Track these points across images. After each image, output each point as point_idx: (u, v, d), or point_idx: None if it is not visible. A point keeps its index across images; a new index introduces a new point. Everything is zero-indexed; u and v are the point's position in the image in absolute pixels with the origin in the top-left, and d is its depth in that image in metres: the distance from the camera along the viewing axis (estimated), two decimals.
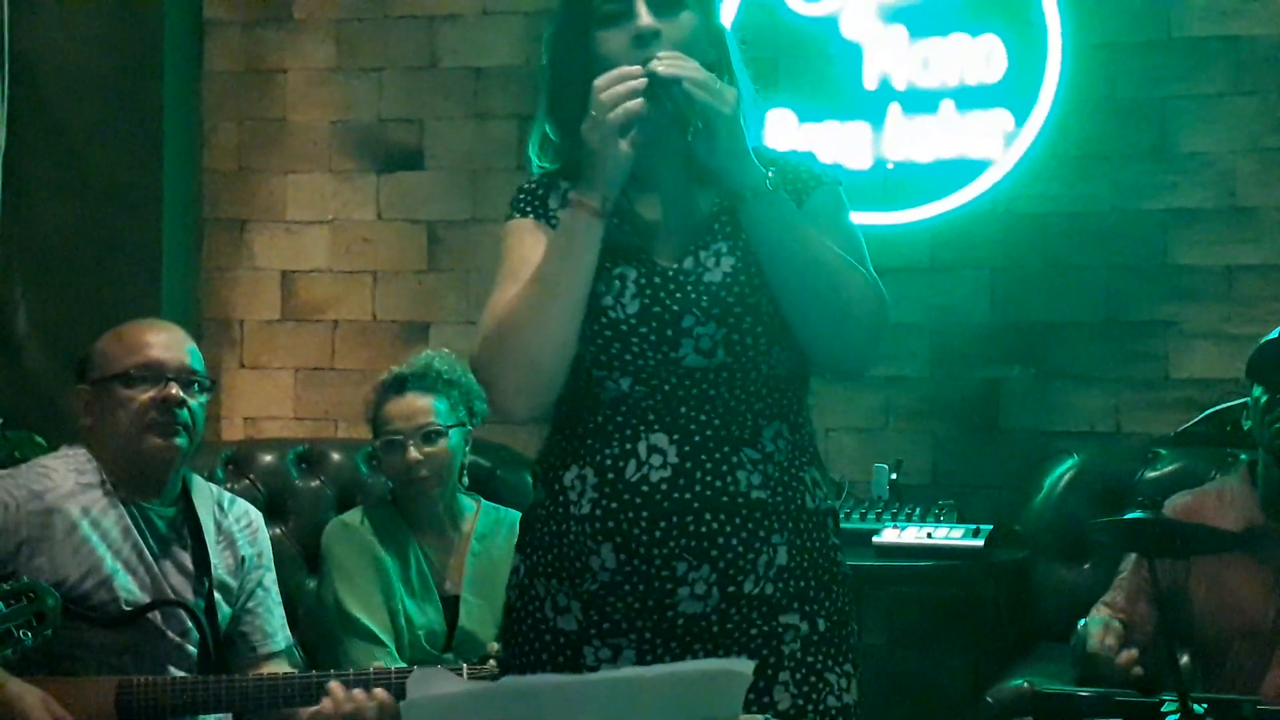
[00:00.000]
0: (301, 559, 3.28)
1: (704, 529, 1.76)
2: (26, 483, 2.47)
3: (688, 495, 1.76)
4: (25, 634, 2.12)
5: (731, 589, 1.77)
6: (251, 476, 3.35)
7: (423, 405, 2.92)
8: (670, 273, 1.80)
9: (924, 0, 3.69)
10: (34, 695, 2.26)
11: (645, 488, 1.76)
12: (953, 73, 3.66)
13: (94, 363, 2.55)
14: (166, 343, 2.55)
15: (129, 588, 2.46)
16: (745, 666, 1.16)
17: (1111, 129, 3.65)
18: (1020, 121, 3.64)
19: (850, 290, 1.77)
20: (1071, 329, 3.67)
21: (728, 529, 1.76)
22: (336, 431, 3.97)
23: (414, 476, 2.90)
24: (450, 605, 2.92)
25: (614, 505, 1.77)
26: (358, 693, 2.45)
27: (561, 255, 1.77)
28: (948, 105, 3.66)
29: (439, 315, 4.04)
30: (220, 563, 2.58)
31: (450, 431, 2.92)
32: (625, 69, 1.74)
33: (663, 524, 1.76)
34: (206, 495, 2.63)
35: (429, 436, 2.90)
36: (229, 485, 3.26)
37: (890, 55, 3.68)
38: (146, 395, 2.49)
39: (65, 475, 2.49)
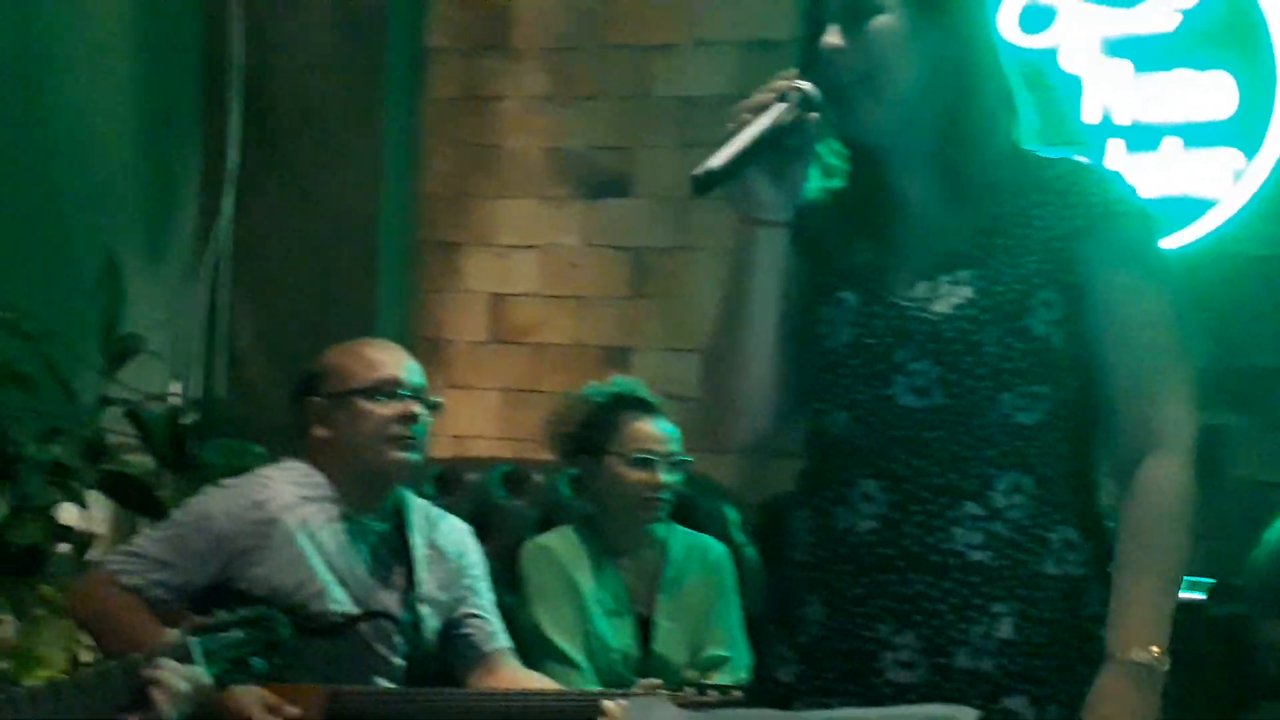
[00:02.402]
0: (503, 577, 3.32)
1: (908, 590, 1.61)
2: (248, 492, 2.57)
3: (893, 550, 1.61)
4: (259, 661, 2.19)
5: (941, 660, 1.60)
6: (458, 494, 3.42)
7: (672, 435, 2.96)
8: (893, 300, 1.66)
9: (1149, 34, 3.59)
10: (251, 694, 2.35)
11: (852, 538, 1.63)
12: (1177, 109, 3.54)
13: (329, 377, 2.64)
14: (402, 362, 2.65)
15: (341, 599, 2.53)
16: (968, 715, 1.13)
17: None
18: (1249, 160, 3.50)
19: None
20: None
21: (934, 592, 1.60)
22: (539, 453, 4.03)
23: (656, 498, 2.92)
24: (644, 629, 2.93)
25: (824, 554, 1.66)
26: None
27: (732, 275, 1.70)
28: (1172, 142, 3.54)
29: (641, 342, 4.06)
30: (430, 577, 2.64)
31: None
32: (774, 83, 1.65)
33: (864, 580, 1.63)
34: (418, 510, 2.69)
35: (674, 467, 2.94)
36: (436, 502, 3.33)
37: (1112, 89, 3.59)
38: (389, 410, 2.57)
39: (285, 487, 2.58)
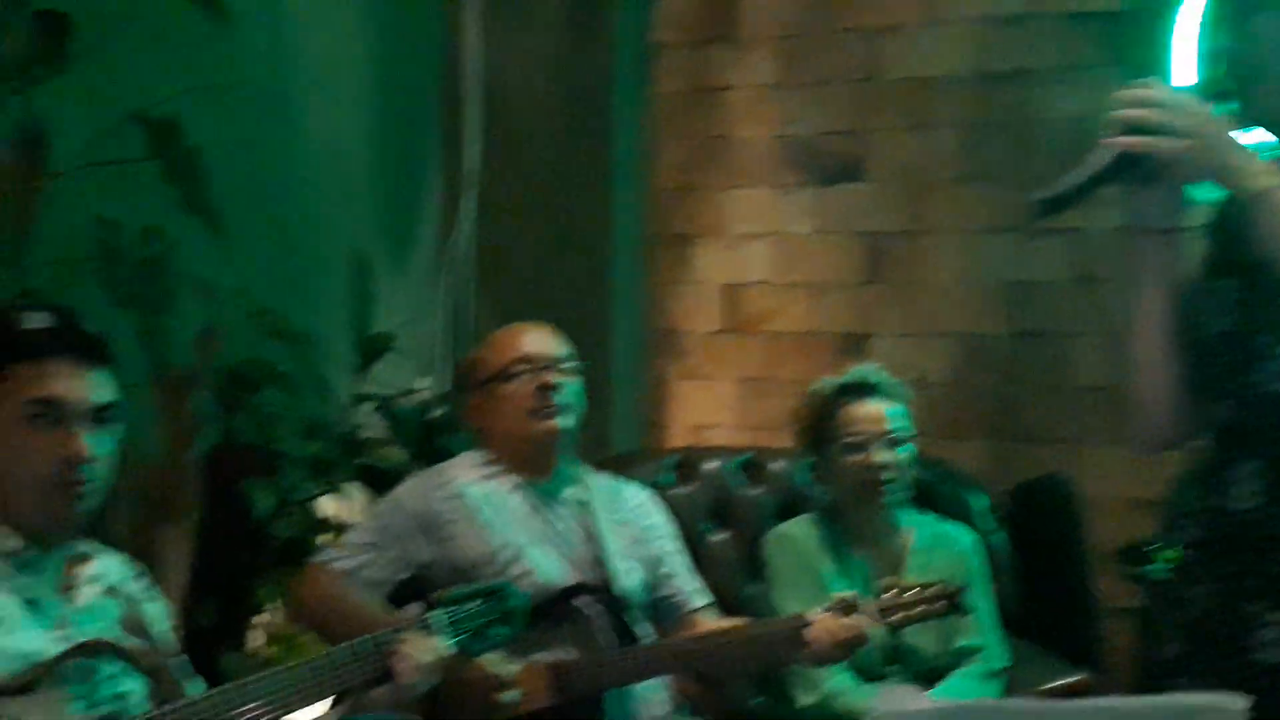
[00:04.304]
0: (743, 565, 3.33)
1: (1277, 569, 1.64)
2: (432, 477, 2.74)
3: (1271, 530, 1.65)
4: (497, 630, 2.25)
5: None
6: (697, 483, 3.44)
7: (885, 412, 2.93)
8: (1265, 284, 1.64)
9: None
10: (479, 671, 2.39)
11: (1235, 517, 1.68)
12: None
13: (470, 374, 2.77)
14: (533, 338, 2.74)
15: (540, 562, 2.61)
16: (1236, 703, 1.08)
17: None
18: None
19: None
20: None
21: None
22: (777, 441, 4.02)
23: (875, 479, 2.90)
24: None
25: (1209, 534, 1.71)
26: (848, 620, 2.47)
27: (1130, 284, 1.74)
28: None
29: (878, 327, 4.02)
30: (621, 539, 2.70)
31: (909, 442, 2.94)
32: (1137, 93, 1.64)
33: (1240, 558, 1.67)
34: (598, 481, 2.77)
35: (892, 444, 2.91)
36: (675, 489, 3.36)
37: None
38: (524, 386, 2.66)
39: (467, 469, 2.73)
